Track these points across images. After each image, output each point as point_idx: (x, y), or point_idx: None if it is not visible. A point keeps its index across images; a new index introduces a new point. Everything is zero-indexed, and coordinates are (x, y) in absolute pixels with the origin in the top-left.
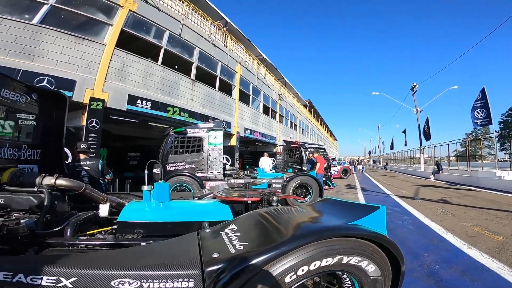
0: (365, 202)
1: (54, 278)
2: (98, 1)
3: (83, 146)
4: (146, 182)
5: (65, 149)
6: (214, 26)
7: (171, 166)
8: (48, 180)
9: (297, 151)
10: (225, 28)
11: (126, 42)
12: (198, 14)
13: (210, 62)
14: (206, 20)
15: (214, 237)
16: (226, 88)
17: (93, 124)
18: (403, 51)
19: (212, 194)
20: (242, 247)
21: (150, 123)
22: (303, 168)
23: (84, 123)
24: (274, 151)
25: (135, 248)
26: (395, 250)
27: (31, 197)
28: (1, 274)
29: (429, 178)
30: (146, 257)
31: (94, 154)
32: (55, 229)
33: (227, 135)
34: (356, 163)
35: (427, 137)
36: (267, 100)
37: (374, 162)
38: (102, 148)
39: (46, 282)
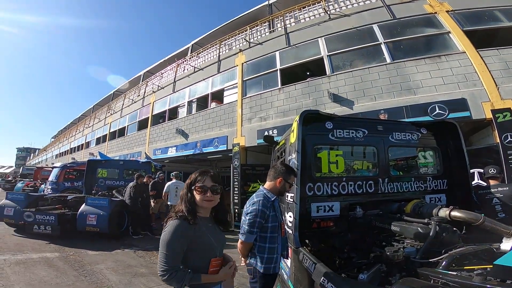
0: None
1: None
2: (415, 20)
3: (492, 171)
4: None
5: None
6: None
7: None
8: (443, 212)
9: None
10: None
11: (486, 40)
12: None
13: None
14: None
15: None
16: None
17: (509, 139)
18: None
19: None
20: None
21: None
22: None
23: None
24: None
25: None
26: None
27: (418, 228)
28: None
29: None
30: None
31: None
32: (431, 260)
33: None
34: None
35: None
36: None
37: None
38: None
39: None
